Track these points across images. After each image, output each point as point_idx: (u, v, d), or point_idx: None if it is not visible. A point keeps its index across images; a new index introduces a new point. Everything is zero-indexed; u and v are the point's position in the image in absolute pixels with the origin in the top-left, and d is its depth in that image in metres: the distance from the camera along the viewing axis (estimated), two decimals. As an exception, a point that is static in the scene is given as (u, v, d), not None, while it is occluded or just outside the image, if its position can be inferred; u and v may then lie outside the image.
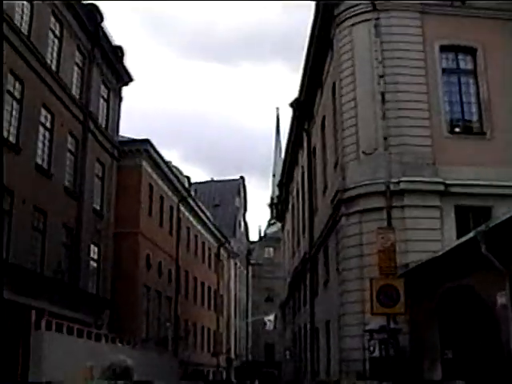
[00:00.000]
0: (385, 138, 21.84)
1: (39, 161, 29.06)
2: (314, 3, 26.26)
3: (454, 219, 21.03)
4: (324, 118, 29.45)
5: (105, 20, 36.73)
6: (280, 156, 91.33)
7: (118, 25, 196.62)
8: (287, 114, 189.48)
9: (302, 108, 34.63)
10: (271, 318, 77.45)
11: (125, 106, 57.18)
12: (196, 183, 76.84)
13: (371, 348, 18.80)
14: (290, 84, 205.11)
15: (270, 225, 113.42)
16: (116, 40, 38.96)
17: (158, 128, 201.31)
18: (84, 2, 34.45)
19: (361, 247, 21.43)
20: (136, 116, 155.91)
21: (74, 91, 33.63)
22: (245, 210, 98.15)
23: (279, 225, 70.31)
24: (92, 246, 35.63)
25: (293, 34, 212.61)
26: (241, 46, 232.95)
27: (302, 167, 37.99)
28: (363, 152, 22.42)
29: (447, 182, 21.17)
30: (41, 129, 29.42)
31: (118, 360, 6.37)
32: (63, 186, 31.78)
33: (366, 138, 22.55)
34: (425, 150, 21.92)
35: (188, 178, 66.21)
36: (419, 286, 18.52)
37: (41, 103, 29.26)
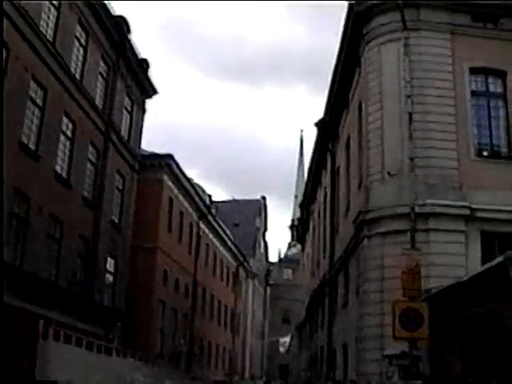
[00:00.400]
0: (411, 159, 21.23)
1: (58, 169, 28.72)
2: (341, 24, 25.94)
3: (480, 245, 20.42)
4: (349, 137, 28.95)
5: (131, 33, 36.61)
6: (302, 178, 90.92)
7: (144, 40, 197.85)
8: (311, 136, 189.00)
9: (327, 128, 34.19)
10: (287, 339, 76.52)
11: (147, 122, 56.89)
12: (217, 202, 76.29)
13: (390, 374, 18.15)
14: (313, 107, 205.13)
15: (290, 247, 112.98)
16: (142, 53, 38.79)
17: (180, 145, 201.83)
18: (112, 13, 34.18)
19: (382, 270, 20.83)
20: (158, 132, 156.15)
21: (97, 101, 33.35)
22: (265, 230, 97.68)
23: (299, 247, 69.87)
24: (109, 258, 35.19)
25: (316, 58, 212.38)
26: (265, 67, 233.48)
27: (325, 188, 37.48)
28: (388, 173, 21.85)
29: (473, 206, 20.57)
30: (61, 137, 29.12)
31: None
32: (81, 196, 31.40)
33: (391, 158, 22.01)
34: (451, 172, 21.35)
35: (209, 196, 65.84)
36: (441, 311, 17.84)
37: (62, 111, 28.94)
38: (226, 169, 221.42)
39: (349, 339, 25.56)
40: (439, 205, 20.73)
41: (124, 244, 37.34)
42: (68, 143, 29.76)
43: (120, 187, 37.03)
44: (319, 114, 34.83)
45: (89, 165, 32.47)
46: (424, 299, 17.75)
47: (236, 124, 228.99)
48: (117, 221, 36.36)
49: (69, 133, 29.88)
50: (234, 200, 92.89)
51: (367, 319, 21.14)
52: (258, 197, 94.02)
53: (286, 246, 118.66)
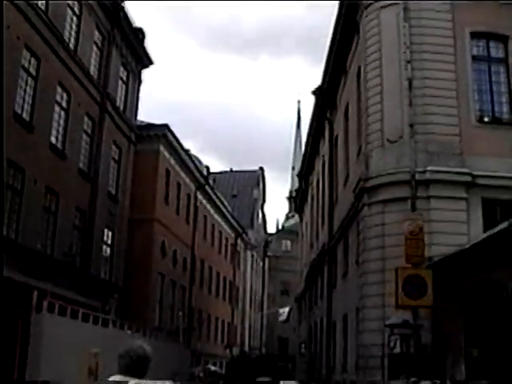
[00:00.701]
0: (411, 126, 20.89)
1: (53, 140, 28.26)
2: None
3: (481, 212, 20.13)
4: (347, 105, 28.60)
5: (125, 1, 36.03)
6: (300, 149, 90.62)
7: (140, 10, 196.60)
8: (308, 107, 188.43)
9: (325, 96, 33.79)
10: (286, 310, 76.46)
11: (143, 94, 56.39)
12: (214, 173, 75.82)
13: (391, 344, 17.89)
14: (311, 78, 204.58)
15: (288, 218, 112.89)
16: (137, 23, 38.26)
17: (176, 117, 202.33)
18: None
19: (383, 238, 20.58)
20: (154, 104, 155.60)
21: (92, 71, 32.83)
22: (263, 201, 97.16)
23: (297, 218, 69.61)
24: (106, 230, 34.85)
25: (313, 29, 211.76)
26: (261, 39, 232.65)
27: (323, 157, 37.16)
28: (388, 140, 21.56)
29: (474, 173, 20.28)
30: (56, 108, 28.63)
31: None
32: (78, 168, 30.99)
33: (391, 125, 21.67)
34: (452, 139, 21.00)
35: (207, 167, 65.39)
36: (443, 279, 17.49)
37: (57, 81, 28.46)
38: (222, 141, 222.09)
39: (349, 310, 25.38)
40: (440, 171, 20.42)
41: (121, 216, 36.97)
42: (63, 114, 29.27)
43: (116, 158, 36.59)
44: (317, 84, 34.12)
45: (84, 136, 32.02)
46: (428, 266, 17.43)
47: (232, 96, 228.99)
48: (114, 192, 35.97)
49: (64, 103, 29.39)
50: (232, 171, 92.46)
51: (368, 288, 20.88)
52: (256, 168, 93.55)
53: (284, 217, 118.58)
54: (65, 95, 29.47)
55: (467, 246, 15.90)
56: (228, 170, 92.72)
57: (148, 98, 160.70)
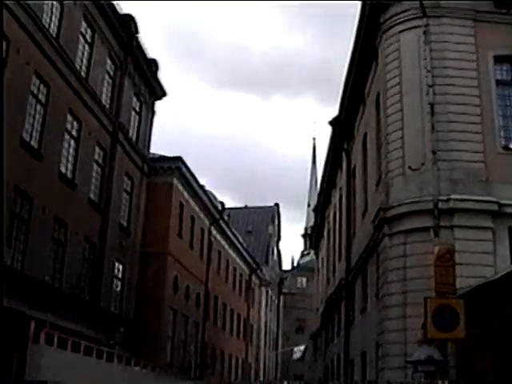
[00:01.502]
0: (433, 153, 19.91)
1: (63, 169, 27.63)
2: (352, 30, 24.79)
3: (508, 242, 19.05)
4: (365, 135, 27.69)
5: (140, 33, 35.51)
6: (316, 186, 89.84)
7: (151, 44, 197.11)
8: (323, 145, 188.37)
9: (342, 126, 32.87)
10: (301, 348, 75.23)
11: (156, 128, 55.65)
12: (229, 209, 74.92)
13: (416, 382, 16.76)
14: (325, 116, 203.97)
15: (303, 256, 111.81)
16: (150, 55, 37.69)
17: (190, 154, 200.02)
18: (119, 11, 33.07)
19: (404, 270, 19.50)
20: (167, 141, 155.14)
21: (104, 100, 32.27)
22: (278, 238, 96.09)
23: (313, 256, 68.66)
24: (116, 263, 33.97)
25: (325, 67, 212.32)
26: (273, 78, 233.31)
27: (340, 189, 36.21)
28: (409, 167, 20.55)
29: (501, 201, 19.19)
30: (66, 136, 28.03)
31: None
32: (88, 198, 30.30)
33: (412, 152, 20.69)
34: (477, 166, 19.98)
35: (222, 203, 64.36)
36: (471, 312, 16.44)
37: (67, 109, 27.86)
38: (236, 180, 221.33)
39: (368, 347, 24.26)
40: (464, 200, 19.34)
41: (133, 249, 36.15)
42: (73, 142, 28.66)
43: (128, 190, 35.86)
44: (332, 116, 33.41)
45: (95, 166, 31.35)
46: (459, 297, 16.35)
47: (246, 134, 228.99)
48: (125, 224, 35.18)
49: (74, 132, 28.79)
50: (247, 207, 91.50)
51: (388, 324, 19.75)
52: (272, 204, 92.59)
53: (299, 254, 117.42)
54: (75, 123, 28.88)
55: (496, 277, 14.89)
56: (243, 206, 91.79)
57: (161, 133, 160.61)
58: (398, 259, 19.82)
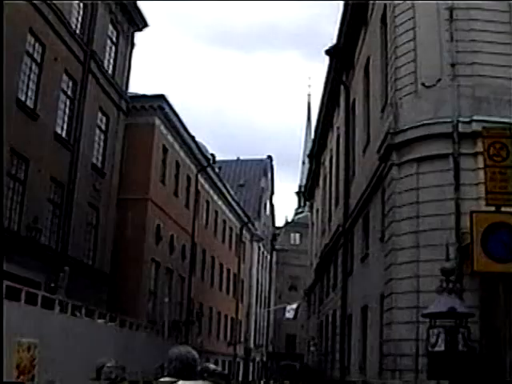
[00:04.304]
0: (452, 66, 16.56)
1: (22, 96, 24.08)
2: None
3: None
4: (368, 60, 24.29)
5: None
6: (310, 143, 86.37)
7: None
8: (317, 102, 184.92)
9: (341, 55, 29.34)
10: (294, 306, 72.36)
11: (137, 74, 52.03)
12: (220, 161, 71.50)
13: (433, 339, 13.42)
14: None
15: (297, 214, 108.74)
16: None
17: (180, 110, 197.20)
18: None
19: (417, 206, 16.19)
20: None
21: (74, 24, 28.59)
22: (272, 192, 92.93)
23: (307, 212, 65.69)
24: (89, 208, 30.56)
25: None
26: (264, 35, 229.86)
27: (338, 129, 32.88)
28: (423, 84, 17.13)
29: (533, 124, 15.83)
30: (26, 58, 24.44)
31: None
32: (53, 132, 26.74)
33: (426, 65, 17.24)
34: (504, 83, 16.42)
35: (213, 155, 60.88)
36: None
37: (27, 27, 24.24)
38: (227, 137, 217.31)
39: (370, 299, 21.11)
40: (490, 121, 15.93)
41: (109, 193, 32.73)
42: (34, 66, 25.07)
43: (103, 127, 32.29)
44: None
45: (63, 96, 27.80)
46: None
47: (240, 93, 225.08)
48: (99, 165, 31.71)
49: (36, 55, 25.20)
50: (239, 160, 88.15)
51: (397, 270, 16.42)
52: (264, 156, 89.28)
53: (294, 212, 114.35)
54: (38, 46, 25.25)
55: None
56: (235, 158, 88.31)
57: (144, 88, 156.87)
58: (409, 193, 16.53)
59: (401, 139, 17.08)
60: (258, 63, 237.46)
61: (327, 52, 30.07)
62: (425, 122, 16.59)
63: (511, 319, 13.31)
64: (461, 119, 15.99)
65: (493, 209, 12.65)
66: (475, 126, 15.86)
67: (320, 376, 33.67)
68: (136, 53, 36.32)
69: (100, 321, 22.39)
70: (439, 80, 16.84)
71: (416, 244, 15.91)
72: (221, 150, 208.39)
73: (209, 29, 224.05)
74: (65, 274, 23.99)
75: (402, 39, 18.07)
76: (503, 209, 12.42)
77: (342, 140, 30.77)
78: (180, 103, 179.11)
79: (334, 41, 29.43)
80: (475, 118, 15.96)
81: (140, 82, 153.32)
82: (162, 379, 5.63)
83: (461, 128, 15.91)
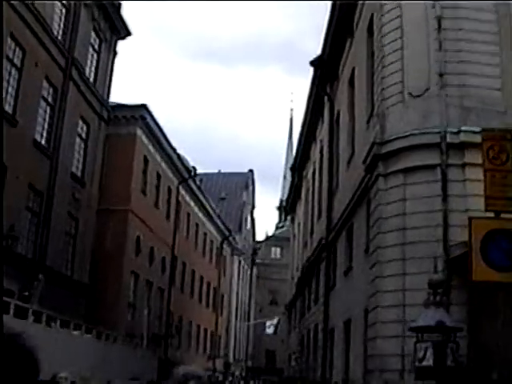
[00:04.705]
0: (440, 76, 16.23)
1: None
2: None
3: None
4: (353, 70, 24.01)
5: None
6: (291, 157, 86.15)
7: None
8: (299, 118, 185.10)
9: (325, 66, 29.02)
10: (274, 321, 71.89)
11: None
12: (201, 174, 70.87)
13: (420, 354, 12.99)
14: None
15: (277, 228, 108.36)
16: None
17: (165, 126, 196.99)
18: None
19: (403, 217, 15.82)
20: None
21: (55, 30, 28.13)
22: (253, 206, 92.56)
23: (288, 227, 65.23)
24: (68, 218, 30.01)
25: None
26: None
27: (321, 141, 32.54)
28: (410, 93, 16.80)
29: (522, 134, 15.49)
30: (5, 63, 23.89)
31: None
32: (32, 139, 26.23)
33: (414, 75, 16.92)
34: (493, 93, 16.19)
35: (194, 167, 60.30)
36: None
37: (8, 33, 23.73)
38: (209, 149, 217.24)
39: (353, 313, 20.73)
40: (479, 132, 15.60)
41: (88, 203, 32.15)
42: (14, 71, 24.61)
43: (83, 136, 31.76)
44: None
45: (43, 103, 27.31)
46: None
47: (220, 108, 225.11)
48: (79, 174, 31.15)
49: (16, 60, 24.73)
50: (220, 173, 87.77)
51: (383, 283, 16.03)
52: (245, 170, 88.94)
53: (274, 227, 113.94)
54: (18, 50, 24.78)
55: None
56: (216, 171, 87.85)
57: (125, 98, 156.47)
58: (396, 204, 16.17)
59: (387, 149, 16.72)
60: (241, 77, 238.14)
61: (312, 63, 29.74)
62: (412, 132, 16.25)
63: (504, 334, 12.95)
64: (449, 129, 15.67)
65: (492, 215, 12.32)
66: (463, 137, 15.58)
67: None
68: (118, 62, 35.88)
69: (76, 332, 21.87)
70: (427, 89, 16.53)
71: (402, 256, 15.54)
72: (202, 163, 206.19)
73: (192, 42, 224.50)
74: (39, 283, 23.43)
75: (389, 48, 17.76)
76: (503, 215, 12.09)
77: (325, 152, 30.41)
78: (161, 115, 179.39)
79: (319, 52, 29.11)
80: (463, 128, 15.64)
81: (121, 92, 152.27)
82: None
83: (449, 138, 15.60)
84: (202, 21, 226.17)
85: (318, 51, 29.10)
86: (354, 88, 23.89)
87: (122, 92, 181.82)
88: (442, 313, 13.01)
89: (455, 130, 15.67)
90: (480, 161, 15.30)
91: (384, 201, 16.56)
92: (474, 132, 15.53)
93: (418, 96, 16.66)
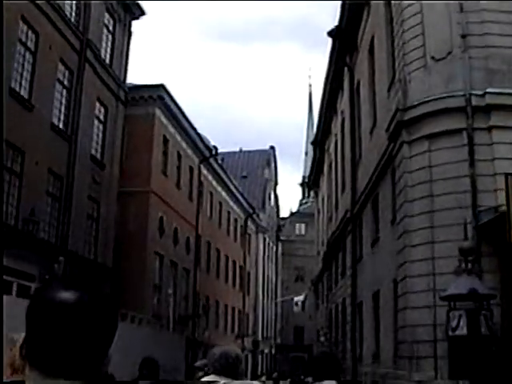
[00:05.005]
0: (463, 37, 15.74)
1: (15, 86, 23.27)
2: None
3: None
4: (372, 38, 23.51)
5: None
6: (312, 133, 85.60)
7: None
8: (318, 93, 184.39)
9: (343, 36, 28.50)
10: (301, 297, 71.54)
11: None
12: (222, 153, 70.48)
13: (453, 323, 12.61)
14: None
15: (301, 204, 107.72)
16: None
17: (185, 105, 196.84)
18: None
19: (430, 185, 15.42)
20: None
21: (68, 12, 27.76)
22: (275, 183, 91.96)
23: (311, 202, 64.49)
24: (89, 201, 29.79)
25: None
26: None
27: (342, 113, 32.08)
28: (432, 57, 16.32)
29: (550, 96, 15.01)
30: (19, 47, 23.64)
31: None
32: (50, 123, 25.94)
33: (435, 38, 16.42)
34: (519, 53, 15.75)
35: (215, 146, 59.92)
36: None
37: (19, 15, 23.41)
38: (228, 128, 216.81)
39: (381, 285, 20.40)
40: (505, 93, 15.13)
41: (109, 186, 31.88)
42: (28, 55, 24.29)
43: (102, 118, 31.46)
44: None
45: (59, 86, 26.99)
46: None
47: (237, 87, 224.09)
48: (99, 157, 30.88)
49: (29, 43, 24.40)
50: (241, 151, 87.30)
51: (411, 252, 15.66)
52: (267, 147, 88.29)
53: (298, 203, 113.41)
54: (30, 33, 24.46)
55: None
56: (237, 150, 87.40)
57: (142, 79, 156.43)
58: (422, 171, 15.75)
59: (411, 115, 16.30)
60: (257, 55, 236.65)
61: (329, 33, 29.21)
62: (436, 96, 15.80)
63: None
64: (474, 92, 15.21)
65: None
66: (489, 99, 15.14)
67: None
68: (134, 43, 35.49)
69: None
70: (449, 53, 16.05)
71: (430, 224, 15.17)
72: (222, 143, 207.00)
73: (206, 20, 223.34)
74: (59, 265, 23.21)
75: (408, 13, 17.28)
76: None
77: (346, 124, 30.01)
78: (179, 96, 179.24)
79: (336, 23, 28.60)
80: (489, 90, 15.18)
81: (138, 73, 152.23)
82: (205, 378, 5.91)
83: (474, 101, 15.14)
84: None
85: (335, 24, 28.59)
86: (374, 56, 23.44)
87: (139, 73, 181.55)
88: (474, 280, 12.64)
89: (481, 93, 15.19)
90: (507, 123, 15.04)
91: (409, 169, 16.16)
92: (501, 93, 15.15)
93: (441, 59, 16.19)
